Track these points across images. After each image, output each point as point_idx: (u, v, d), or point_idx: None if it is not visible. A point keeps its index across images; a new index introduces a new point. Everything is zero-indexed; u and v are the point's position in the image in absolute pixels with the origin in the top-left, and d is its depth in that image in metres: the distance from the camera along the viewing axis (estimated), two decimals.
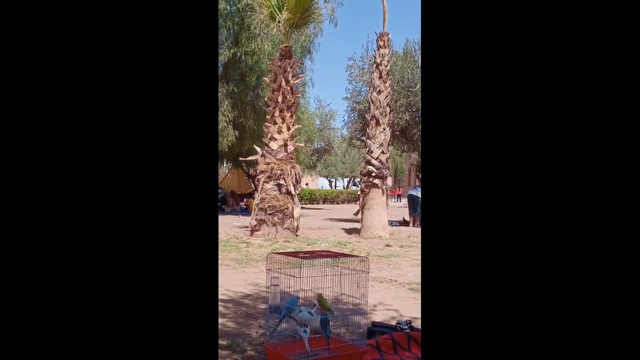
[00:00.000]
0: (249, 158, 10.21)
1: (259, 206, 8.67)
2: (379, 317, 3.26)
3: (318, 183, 42.84)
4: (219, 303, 3.61)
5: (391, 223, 10.48)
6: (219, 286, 4.19)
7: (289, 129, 8.95)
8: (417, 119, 13.05)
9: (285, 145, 8.87)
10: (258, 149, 9.31)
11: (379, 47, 9.40)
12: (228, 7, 13.92)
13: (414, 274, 5.07)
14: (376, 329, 2.63)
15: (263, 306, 3.39)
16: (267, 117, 9.16)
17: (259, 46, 13.75)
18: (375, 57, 9.47)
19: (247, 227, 9.20)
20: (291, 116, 9.06)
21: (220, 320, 3.12)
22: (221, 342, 2.65)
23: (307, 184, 37.79)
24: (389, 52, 9.45)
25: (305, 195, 25.88)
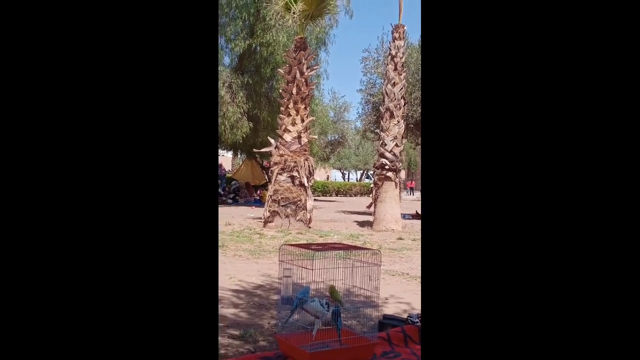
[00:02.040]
0: (263, 150, 10.24)
1: (272, 198, 8.71)
2: (390, 309, 3.27)
3: (331, 175, 42.81)
4: (232, 293, 3.65)
5: (404, 216, 10.46)
6: (232, 276, 4.24)
7: (302, 120, 8.95)
8: None
9: (299, 137, 8.88)
10: (272, 140, 9.34)
11: (394, 39, 9.33)
12: None
13: None
14: (387, 322, 2.64)
15: (275, 297, 3.42)
16: (282, 108, 9.17)
17: (274, 37, 13.72)
18: (390, 49, 9.40)
19: (260, 218, 9.25)
20: (305, 108, 9.05)
21: (232, 311, 3.16)
22: (234, 332, 2.68)
23: (327, 177, 37.57)
24: (404, 44, 9.37)
25: (318, 188, 25.89)
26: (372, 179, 10.01)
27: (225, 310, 3.15)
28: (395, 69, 9.18)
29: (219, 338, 2.56)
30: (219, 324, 2.80)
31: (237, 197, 16.36)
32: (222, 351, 2.37)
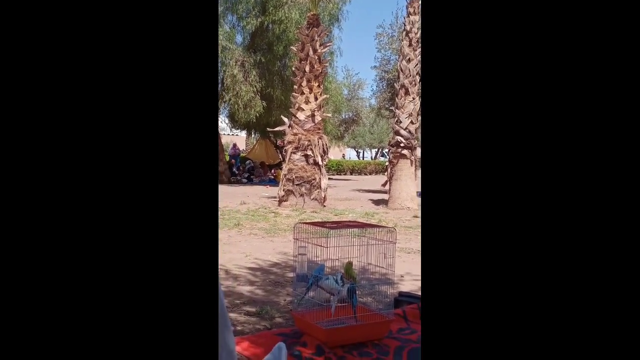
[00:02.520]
0: (277, 129, 10.21)
1: (287, 177, 8.72)
2: (406, 287, 3.27)
3: (346, 154, 42.68)
4: (248, 271, 3.68)
5: (420, 194, 10.42)
6: (248, 254, 4.27)
7: (316, 99, 8.88)
8: None
9: (313, 115, 8.82)
10: (285, 119, 9.30)
11: (409, 14, 9.14)
12: None
13: None
14: (403, 299, 2.64)
15: (291, 275, 3.44)
16: (295, 87, 9.10)
17: (287, 14, 13.54)
18: (405, 25, 9.22)
19: (275, 197, 9.29)
20: (319, 86, 8.97)
21: (249, 288, 3.19)
22: (250, 309, 2.71)
23: (343, 155, 37.26)
24: (419, 19, 9.18)
25: (333, 166, 25.84)
26: (387, 157, 9.94)
27: (241, 288, 3.18)
28: (410, 45, 9.02)
29: (236, 315, 2.59)
30: (236, 302, 2.84)
31: (251, 177, 16.44)
32: (238, 328, 2.40)
